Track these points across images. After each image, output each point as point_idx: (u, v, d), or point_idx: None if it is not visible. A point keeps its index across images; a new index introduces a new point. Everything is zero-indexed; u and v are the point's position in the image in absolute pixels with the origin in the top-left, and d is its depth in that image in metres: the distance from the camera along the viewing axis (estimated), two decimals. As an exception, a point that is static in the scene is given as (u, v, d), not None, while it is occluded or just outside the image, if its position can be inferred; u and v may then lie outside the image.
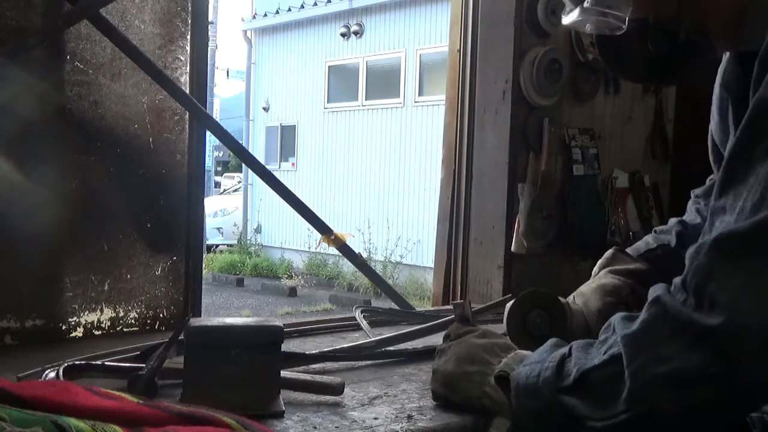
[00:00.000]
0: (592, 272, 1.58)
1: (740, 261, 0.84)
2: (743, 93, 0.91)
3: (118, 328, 1.76)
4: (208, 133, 1.94)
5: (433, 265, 2.82)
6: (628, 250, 1.57)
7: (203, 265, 2.06)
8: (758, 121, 0.87)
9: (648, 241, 1.57)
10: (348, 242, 2.11)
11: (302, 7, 13.36)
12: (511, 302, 1.50)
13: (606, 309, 1.41)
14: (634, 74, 1.33)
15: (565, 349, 1.01)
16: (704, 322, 0.84)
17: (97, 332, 1.72)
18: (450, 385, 1.20)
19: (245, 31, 14.79)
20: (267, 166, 2.25)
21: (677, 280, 0.90)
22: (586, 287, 1.53)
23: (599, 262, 1.57)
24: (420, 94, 11.67)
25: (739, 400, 0.87)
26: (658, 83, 1.30)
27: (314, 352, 1.52)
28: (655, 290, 0.92)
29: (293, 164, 13.63)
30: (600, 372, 0.93)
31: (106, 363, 1.29)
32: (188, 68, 1.85)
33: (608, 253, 1.56)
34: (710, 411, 0.87)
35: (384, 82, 12.32)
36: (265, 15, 14.14)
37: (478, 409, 1.16)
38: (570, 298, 1.55)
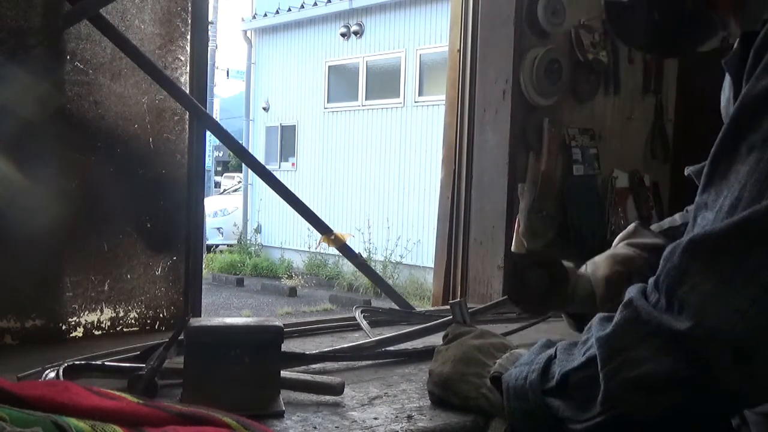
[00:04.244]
0: (612, 243, 1.57)
1: (712, 264, 0.82)
2: (741, 74, 0.89)
3: (118, 328, 1.76)
4: (208, 133, 1.94)
5: (433, 265, 2.83)
6: (653, 226, 1.54)
7: (203, 265, 2.06)
8: (743, 117, 0.85)
9: (674, 218, 1.54)
10: (348, 242, 2.11)
11: (302, 7, 13.35)
12: (513, 259, 1.48)
13: (613, 277, 1.39)
14: (639, 42, 1.28)
15: (552, 350, 1.02)
16: (673, 326, 0.82)
17: (97, 332, 1.72)
18: (447, 386, 1.20)
19: (245, 31, 14.78)
20: (267, 166, 2.25)
21: (651, 280, 0.89)
22: (599, 256, 1.51)
23: (620, 234, 1.55)
24: (420, 94, 11.67)
25: (711, 405, 0.85)
26: (660, 53, 1.25)
27: (314, 352, 1.52)
28: (630, 291, 0.91)
29: (293, 164, 13.63)
30: (578, 374, 0.93)
31: (106, 363, 1.29)
32: (188, 68, 1.85)
33: (630, 226, 1.54)
34: (683, 415, 0.86)
35: (384, 82, 12.32)
36: (265, 15, 14.13)
37: (476, 411, 1.17)
38: (583, 267, 1.53)
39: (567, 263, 1.49)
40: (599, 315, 0.95)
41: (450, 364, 1.20)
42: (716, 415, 0.91)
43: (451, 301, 1.38)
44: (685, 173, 1.45)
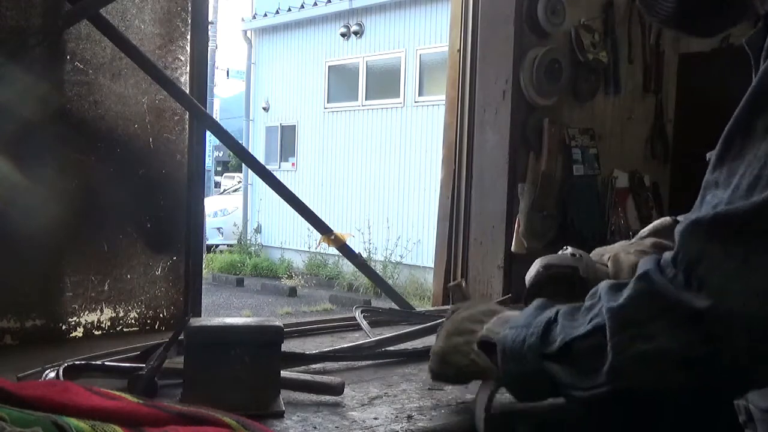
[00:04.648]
0: (640, 232, 1.52)
1: (735, 244, 0.81)
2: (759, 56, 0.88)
3: (118, 328, 1.76)
4: (208, 133, 1.94)
5: (433, 265, 2.83)
6: None
7: (203, 265, 2.06)
8: (760, 95, 0.84)
9: None
10: (348, 242, 2.11)
11: (302, 7, 13.35)
12: (532, 275, 1.45)
13: None
14: (661, 15, 1.25)
15: (551, 313, 1.00)
16: (692, 304, 0.81)
17: (97, 332, 1.72)
18: (442, 360, 1.21)
19: (245, 31, 14.78)
20: (267, 166, 2.25)
21: (668, 254, 0.87)
22: (624, 254, 1.46)
23: (652, 224, 1.50)
24: (420, 94, 11.66)
25: (722, 384, 0.85)
26: (685, 30, 1.21)
27: (314, 352, 1.53)
28: (645, 264, 0.89)
29: (293, 164, 13.63)
30: (583, 342, 0.92)
31: (106, 363, 1.29)
32: (188, 68, 1.85)
33: (666, 220, 1.49)
34: (692, 392, 0.86)
35: (384, 82, 12.32)
36: (265, 15, 14.13)
37: (469, 377, 1.17)
38: (606, 257, 1.49)
39: (583, 256, 1.44)
40: (607, 282, 0.93)
41: (443, 338, 1.21)
42: (725, 394, 0.90)
43: (450, 284, 1.37)
44: (707, 158, 1.42)
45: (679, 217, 1.49)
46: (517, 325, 1.04)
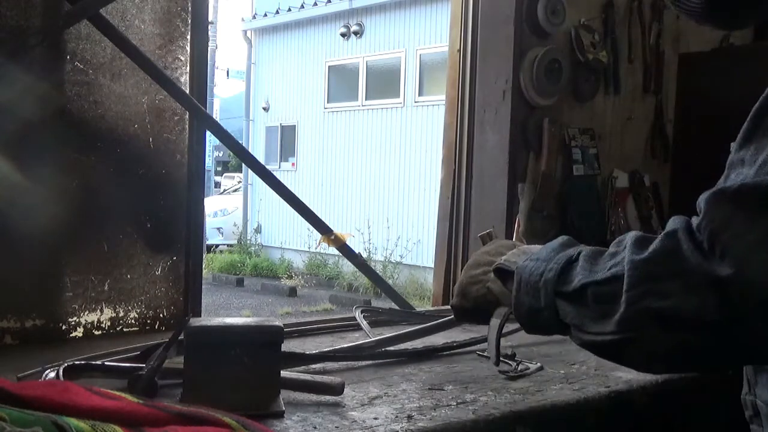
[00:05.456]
0: None
1: (759, 215, 0.81)
2: None
3: (118, 328, 1.76)
4: (208, 133, 1.94)
5: (433, 265, 2.83)
6: None
7: (203, 265, 2.06)
8: None
9: None
10: (348, 242, 2.11)
11: (302, 7, 13.35)
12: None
13: None
14: (689, 8, 1.24)
15: (573, 252, 1.00)
16: (713, 270, 0.82)
17: (97, 332, 1.72)
18: (461, 293, 1.20)
19: (245, 31, 14.78)
20: (267, 166, 2.25)
21: (695, 220, 0.87)
22: None
23: None
24: (420, 94, 11.66)
25: (728, 352, 0.86)
26: (714, 23, 1.20)
27: (314, 352, 1.52)
28: (675, 222, 0.89)
29: (293, 164, 13.63)
30: (599, 288, 0.92)
31: (106, 363, 1.29)
32: (188, 68, 1.85)
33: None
34: (695, 356, 0.87)
35: (384, 82, 12.31)
36: (265, 15, 14.13)
37: (485, 308, 1.16)
38: None
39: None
40: (635, 234, 0.93)
41: (464, 273, 1.21)
42: (727, 363, 0.90)
43: (480, 234, 1.36)
44: (731, 148, 1.42)
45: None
46: (538, 258, 1.03)
